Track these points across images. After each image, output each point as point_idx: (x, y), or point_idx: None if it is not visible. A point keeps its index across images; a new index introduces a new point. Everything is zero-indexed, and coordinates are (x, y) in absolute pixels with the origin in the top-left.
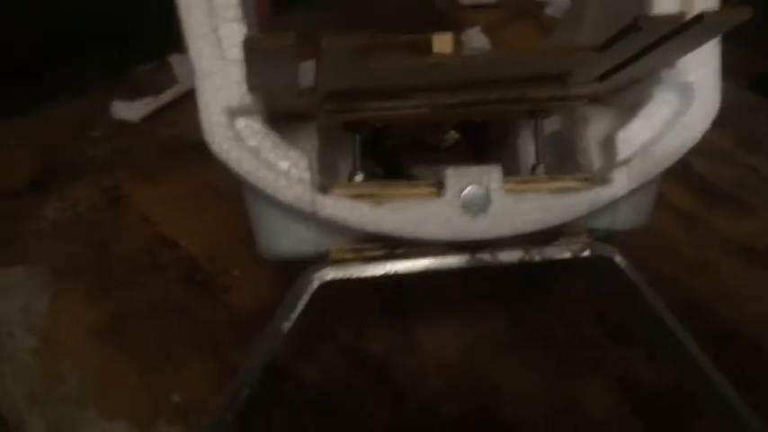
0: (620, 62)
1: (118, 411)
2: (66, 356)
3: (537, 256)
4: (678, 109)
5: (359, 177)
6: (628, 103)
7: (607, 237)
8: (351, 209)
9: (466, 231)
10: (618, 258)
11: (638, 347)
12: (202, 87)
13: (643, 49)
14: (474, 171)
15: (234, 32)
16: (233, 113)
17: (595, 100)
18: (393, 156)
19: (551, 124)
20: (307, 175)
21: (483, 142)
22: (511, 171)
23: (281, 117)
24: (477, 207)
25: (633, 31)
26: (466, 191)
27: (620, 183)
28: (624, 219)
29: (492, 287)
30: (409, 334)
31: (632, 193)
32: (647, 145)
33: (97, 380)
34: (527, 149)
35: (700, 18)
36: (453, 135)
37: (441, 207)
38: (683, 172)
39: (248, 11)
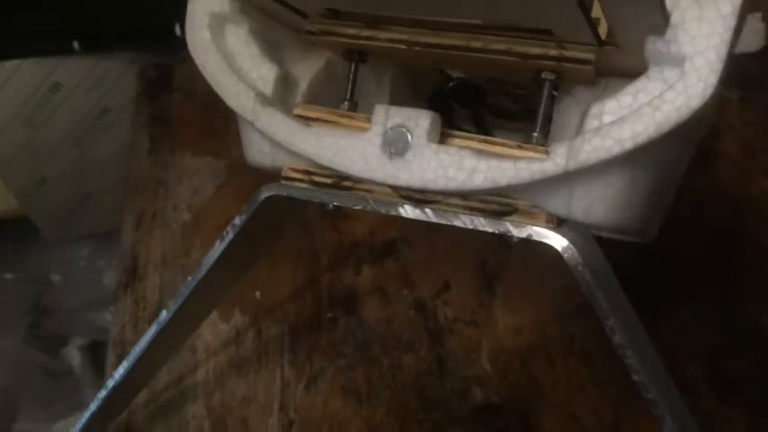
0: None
1: None
2: (200, 237)
3: (480, 225)
4: (663, 88)
5: (344, 106)
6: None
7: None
8: (282, 125)
9: (378, 171)
10: (563, 247)
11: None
12: None
13: None
14: (404, 112)
15: None
16: (220, 19)
17: (617, 74)
18: (481, 119)
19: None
20: (261, 87)
21: None
22: None
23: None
24: (396, 149)
25: None
26: (388, 129)
27: (556, 159)
28: (585, 210)
29: None
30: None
31: (589, 178)
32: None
33: None
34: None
35: None
36: None
37: (360, 140)
38: None
39: None
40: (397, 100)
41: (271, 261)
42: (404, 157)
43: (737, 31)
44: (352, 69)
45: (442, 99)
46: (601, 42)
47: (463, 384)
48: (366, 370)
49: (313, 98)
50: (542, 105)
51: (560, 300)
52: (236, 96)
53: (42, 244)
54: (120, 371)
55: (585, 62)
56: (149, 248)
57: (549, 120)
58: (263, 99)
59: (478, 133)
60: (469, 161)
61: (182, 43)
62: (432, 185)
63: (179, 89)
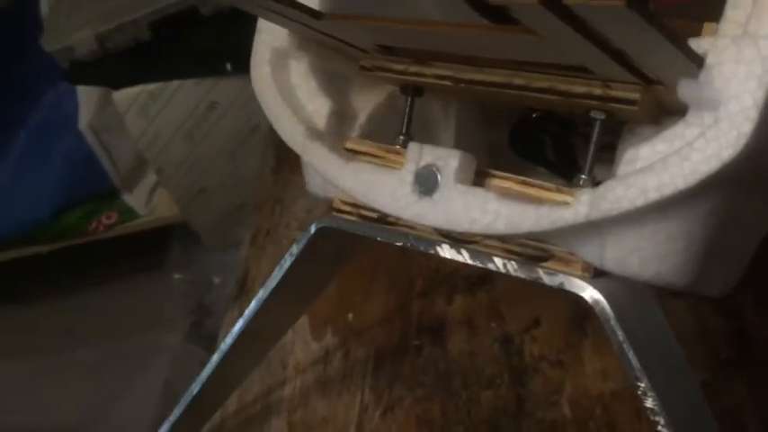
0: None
1: (310, 308)
2: None
3: (512, 270)
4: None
5: (399, 140)
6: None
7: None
8: (325, 159)
9: (408, 209)
10: (593, 300)
11: None
12: (260, 27)
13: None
14: (436, 151)
15: None
16: (282, 54)
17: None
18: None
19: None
20: (315, 120)
21: None
22: None
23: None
24: (425, 188)
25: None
26: (420, 167)
27: (578, 207)
28: (618, 261)
29: None
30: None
31: (620, 228)
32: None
33: None
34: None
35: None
36: None
37: (393, 178)
38: None
39: None
40: (465, 131)
41: (366, 284)
42: (432, 197)
43: None
44: (408, 103)
45: (526, 129)
46: (647, 80)
47: (539, 427)
48: (443, 402)
49: (373, 130)
50: (591, 146)
51: None
52: (288, 130)
53: (205, 249)
54: (192, 392)
55: (631, 102)
56: (260, 264)
57: (595, 162)
58: (313, 133)
59: (563, 166)
60: (493, 205)
61: None
62: (456, 227)
63: None
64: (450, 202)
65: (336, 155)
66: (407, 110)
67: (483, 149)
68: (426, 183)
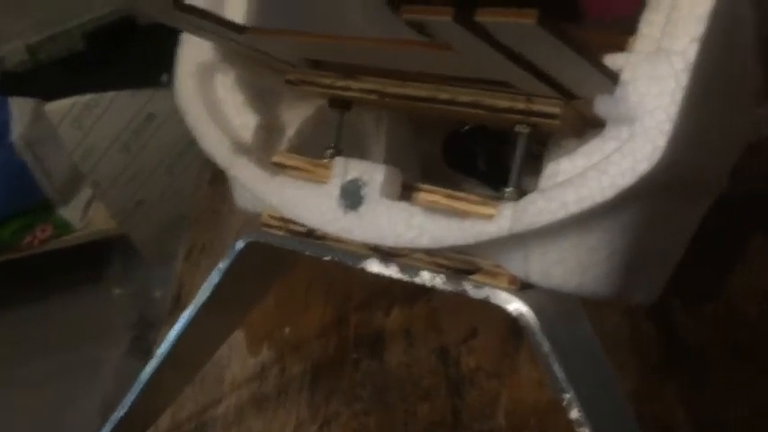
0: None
1: (245, 322)
2: None
3: (439, 284)
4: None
5: (327, 153)
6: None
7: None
8: (251, 173)
9: (334, 224)
10: (518, 312)
11: None
12: (184, 39)
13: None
14: (361, 165)
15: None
16: (207, 67)
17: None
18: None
19: None
20: (242, 134)
21: None
22: None
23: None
24: (350, 203)
25: None
26: (346, 182)
27: (500, 221)
28: (542, 274)
29: None
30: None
31: (543, 241)
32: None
33: None
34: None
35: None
36: None
37: (317, 192)
38: None
39: None
40: (397, 143)
41: (303, 297)
42: (358, 211)
43: (708, 94)
44: (338, 116)
45: (458, 142)
46: (568, 95)
47: None
48: (380, 416)
49: (302, 144)
50: (517, 159)
51: None
52: (213, 144)
53: (145, 262)
54: (121, 411)
55: (552, 116)
56: (194, 279)
57: (520, 174)
58: (239, 148)
59: (494, 176)
60: (417, 219)
61: None
62: (382, 241)
63: None
64: (376, 217)
65: (262, 170)
66: (337, 123)
67: (415, 161)
68: (352, 197)
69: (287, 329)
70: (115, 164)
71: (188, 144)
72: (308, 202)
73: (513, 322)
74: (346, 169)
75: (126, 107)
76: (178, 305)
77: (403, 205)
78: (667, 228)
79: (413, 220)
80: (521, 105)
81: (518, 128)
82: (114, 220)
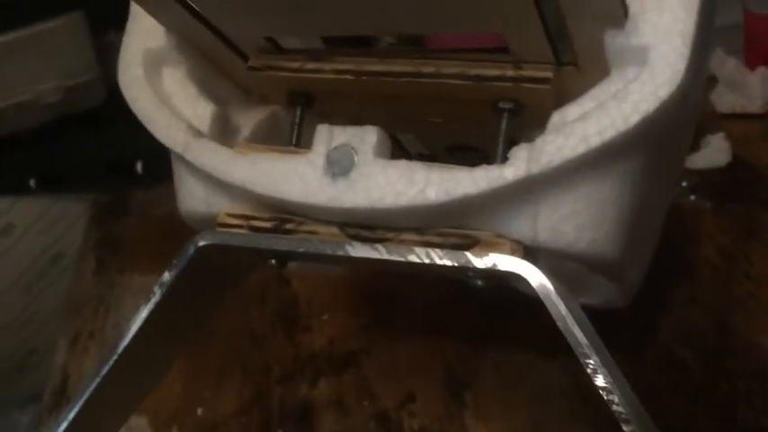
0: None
1: (148, 406)
2: None
3: (437, 258)
4: (629, 81)
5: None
6: None
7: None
8: (214, 153)
9: (320, 194)
10: (533, 277)
11: None
12: (130, 29)
13: None
14: (349, 130)
15: None
16: (155, 57)
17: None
18: None
19: None
20: (196, 124)
21: None
22: None
23: None
24: (340, 169)
25: None
26: (332, 149)
27: (517, 162)
28: (553, 231)
29: None
30: None
31: (554, 191)
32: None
33: None
34: None
35: None
36: None
37: (301, 163)
38: None
39: None
40: None
41: (216, 376)
42: (348, 177)
43: (705, 24)
44: (298, 114)
45: None
46: (559, 62)
47: None
48: None
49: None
50: (501, 136)
51: (537, 405)
52: (165, 129)
53: None
54: None
55: (544, 81)
56: (83, 368)
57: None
58: (197, 132)
59: None
60: (421, 174)
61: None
62: (379, 204)
63: (134, 213)
64: (372, 179)
65: (226, 149)
66: (298, 120)
67: None
68: (341, 163)
69: (199, 410)
70: None
71: (51, 261)
72: (287, 174)
73: (451, 382)
74: (331, 136)
75: None
76: (63, 397)
77: (402, 163)
78: (655, 200)
79: (415, 176)
80: (510, 73)
81: (502, 104)
82: None
